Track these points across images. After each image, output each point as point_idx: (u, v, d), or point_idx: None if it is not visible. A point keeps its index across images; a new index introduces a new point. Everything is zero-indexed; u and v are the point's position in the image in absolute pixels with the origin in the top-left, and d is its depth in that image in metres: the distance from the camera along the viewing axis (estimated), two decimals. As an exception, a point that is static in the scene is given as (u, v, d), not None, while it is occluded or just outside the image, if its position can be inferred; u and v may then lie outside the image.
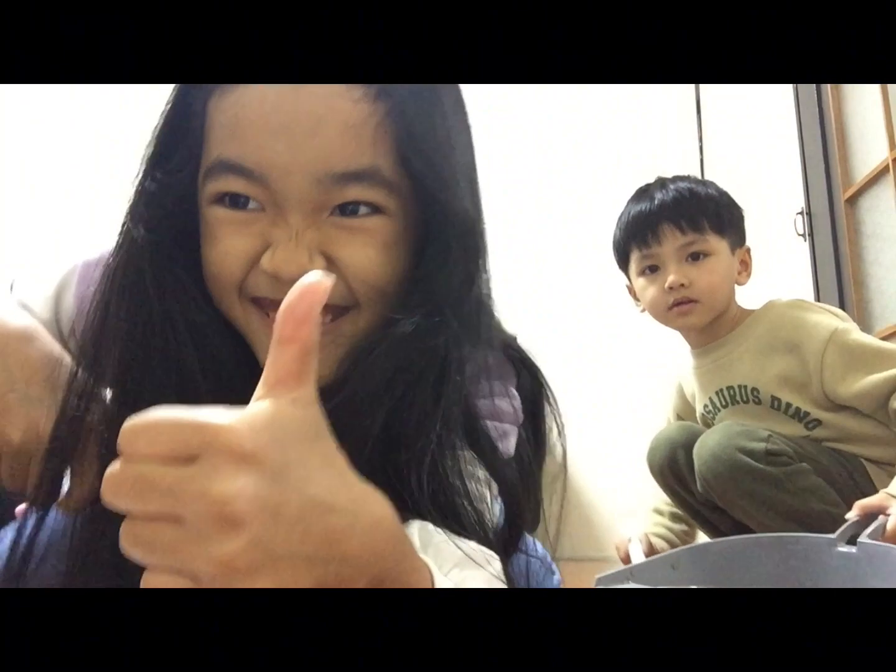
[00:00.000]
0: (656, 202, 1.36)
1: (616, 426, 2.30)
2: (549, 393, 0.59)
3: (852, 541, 0.80)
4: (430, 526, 0.46)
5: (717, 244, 1.35)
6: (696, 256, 1.34)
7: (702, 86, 2.59)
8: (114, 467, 0.30)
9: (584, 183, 2.54)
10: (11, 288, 0.66)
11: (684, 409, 1.55)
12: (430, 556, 0.38)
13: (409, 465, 0.49)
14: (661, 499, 1.45)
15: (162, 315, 0.51)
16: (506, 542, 0.53)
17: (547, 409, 0.59)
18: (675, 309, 1.36)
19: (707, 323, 1.39)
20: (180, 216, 0.52)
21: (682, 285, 1.33)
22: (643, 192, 1.41)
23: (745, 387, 1.39)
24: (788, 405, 1.33)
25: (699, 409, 1.48)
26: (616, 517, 2.28)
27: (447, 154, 0.53)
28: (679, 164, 2.22)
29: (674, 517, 1.45)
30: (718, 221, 1.35)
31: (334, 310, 0.52)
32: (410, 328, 0.51)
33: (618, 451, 2.23)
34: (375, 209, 0.51)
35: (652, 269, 1.37)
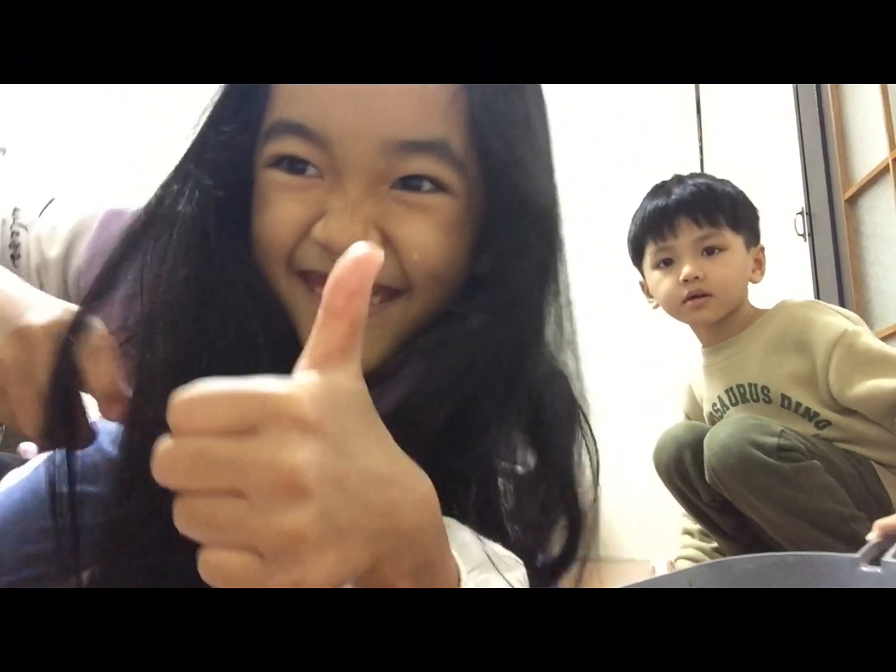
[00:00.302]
0: (673, 196, 1.36)
1: (616, 426, 2.30)
2: (586, 422, 0.56)
3: (875, 561, 0.79)
4: (455, 521, 0.45)
5: (733, 240, 1.35)
6: (710, 251, 1.34)
7: (702, 86, 2.59)
8: (166, 443, 0.29)
9: (584, 183, 2.54)
10: (42, 211, 0.62)
11: (693, 411, 1.54)
12: (454, 552, 0.38)
13: (462, 471, 0.47)
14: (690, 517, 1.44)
15: (224, 272, 0.48)
16: (556, 563, 0.51)
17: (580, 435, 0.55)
18: (690, 302, 1.35)
19: (720, 317, 1.37)
20: (237, 178, 0.49)
21: (697, 278, 1.32)
22: (660, 188, 1.41)
23: (756, 385, 1.37)
24: (798, 404, 1.33)
25: (707, 407, 1.48)
26: (616, 516, 2.28)
27: (525, 135, 0.50)
28: (679, 164, 2.22)
29: (704, 534, 1.44)
30: (734, 217, 1.36)
31: (384, 291, 0.49)
32: (481, 324, 0.47)
33: (618, 451, 2.23)
34: (439, 187, 0.48)
35: (666, 263, 1.37)
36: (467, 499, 0.47)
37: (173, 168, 0.50)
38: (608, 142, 2.56)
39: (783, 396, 1.33)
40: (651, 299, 1.47)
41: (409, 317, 0.49)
